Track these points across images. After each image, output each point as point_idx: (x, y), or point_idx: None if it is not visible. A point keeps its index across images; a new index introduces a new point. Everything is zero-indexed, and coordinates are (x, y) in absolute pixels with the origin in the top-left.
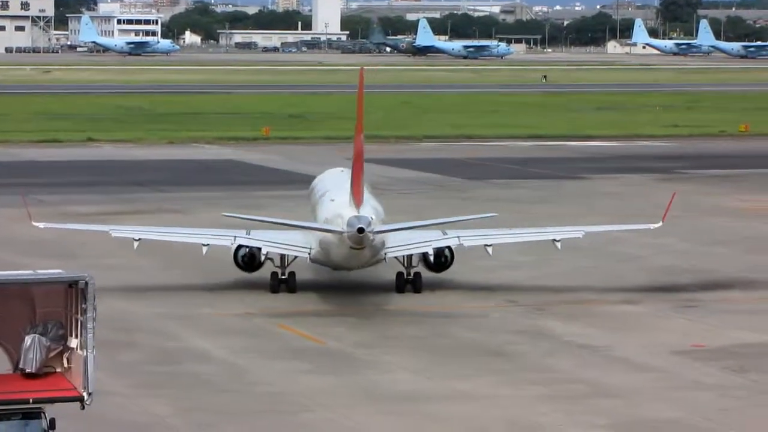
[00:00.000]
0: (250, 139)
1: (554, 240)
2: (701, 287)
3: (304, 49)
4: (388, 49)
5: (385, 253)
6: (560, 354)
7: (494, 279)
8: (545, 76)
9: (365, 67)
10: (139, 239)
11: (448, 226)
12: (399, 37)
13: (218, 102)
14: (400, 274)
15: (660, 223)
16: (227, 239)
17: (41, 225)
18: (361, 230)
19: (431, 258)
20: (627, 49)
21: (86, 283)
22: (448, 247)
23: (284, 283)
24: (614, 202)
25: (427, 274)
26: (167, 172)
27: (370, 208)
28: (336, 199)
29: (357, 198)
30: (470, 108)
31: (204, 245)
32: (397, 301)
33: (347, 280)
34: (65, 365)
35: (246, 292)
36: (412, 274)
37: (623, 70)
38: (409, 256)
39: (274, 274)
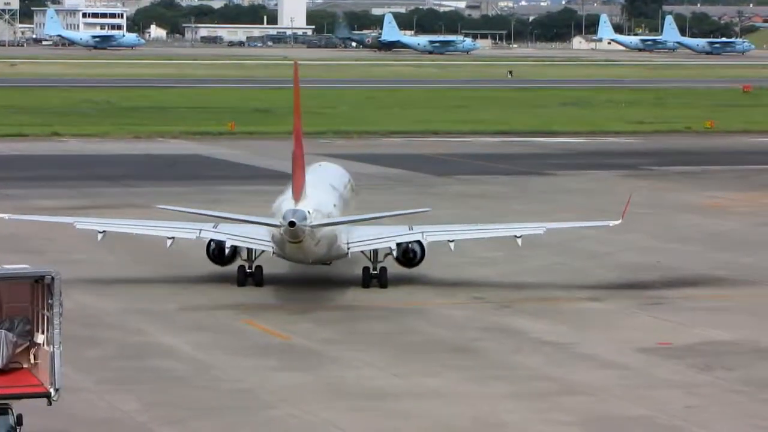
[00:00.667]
0: (215, 134)
1: (515, 236)
2: (667, 284)
3: (269, 43)
4: (353, 43)
5: (348, 248)
6: (527, 351)
7: (461, 275)
8: (511, 72)
9: (299, 62)
10: (104, 231)
11: (392, 220)
12: (365, 31)
13: (184, 96)
14: (365, 269)
15: (620, 221)
16: (192, 232)
17: (5, 216)
18: (292, 224)
19: (394, 253)
20: (592, 44)
21: (52, 279)
22: (419, 243)
23: (251, 276)
24: (580, 198)
25: (397, 270)
26: (133, 167)
27: (314, 202)
28: (287, 193)
29: (296, 192)
30: (436, 103)
31: (169, 238)
32: (364, 297)
33: (315, 275)
34: (32, 361)
35: (212, 287)
36: (378, 269)
37: (589, 66)
38: (375, 251)
39: (241, 267)
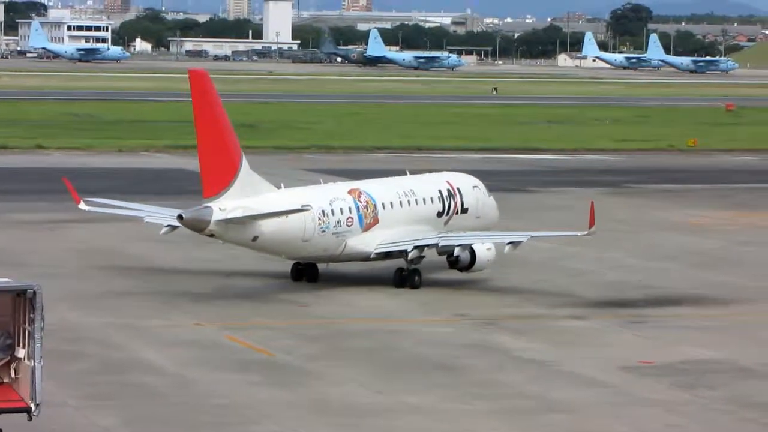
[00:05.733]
0: None
1: (507, 243)
2: (650, 303)
3: (254, 57)
4: (338, 59)
5: (374, 250)
6: (509, 368)
7: (444, 292)
8: (495, 88)
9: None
10: (169, 226)
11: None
12: (350, 47)
13: (169, 110)
14: (398, 270)
15: (586, 231)
16: None
17: (86, 208)
18: (179, 216)
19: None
20: (577, 62)
21: (34, 293)
22: (470, 248)
23: (304, 273)
24: (564, 215)
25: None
26: (117, 181)
27: (245, 201)
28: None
29: (204, 189)
30: (420, 119)
31: None
32: (348, 311)
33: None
34: (12, 376)
35: (196, 303)
36: (407, 270)
37: (573, 83)
38: (406, 253)
39: (295, 263)
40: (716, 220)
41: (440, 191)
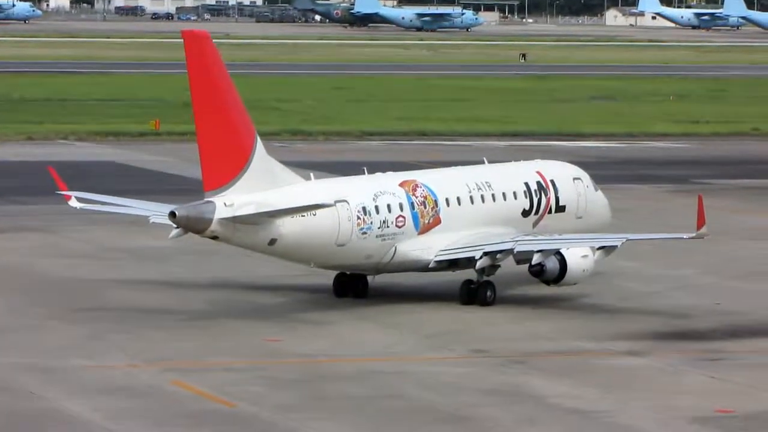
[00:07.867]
0: (135, 135)
1: (597, 248)
2: (729, 334)
3: (206, 16)
4: (317, 17)
5: (435, 257)
6: (544, 421)
7: (461, 321)
8: (524, 55)
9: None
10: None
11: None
12: (332, 1)
13: (93, 85)
14: (466, 282)
15: (694, 234)
16: None
17: (78, 205)
18: (172, 214)
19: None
20: (632, 19)
21: None
22: (558, 255)
23: (349, 287)
24: (617, 220)
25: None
26: (25, 178)
27: (239, 195)
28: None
29: (204, 180)
30: (425, 96)
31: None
32: (337, 347)
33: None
34: None
35: (131, 336)
36: (477, 283)
37: (626, 48)
38: (474, 261)
39: (338, 275)
40: None
41: (527, 184)
